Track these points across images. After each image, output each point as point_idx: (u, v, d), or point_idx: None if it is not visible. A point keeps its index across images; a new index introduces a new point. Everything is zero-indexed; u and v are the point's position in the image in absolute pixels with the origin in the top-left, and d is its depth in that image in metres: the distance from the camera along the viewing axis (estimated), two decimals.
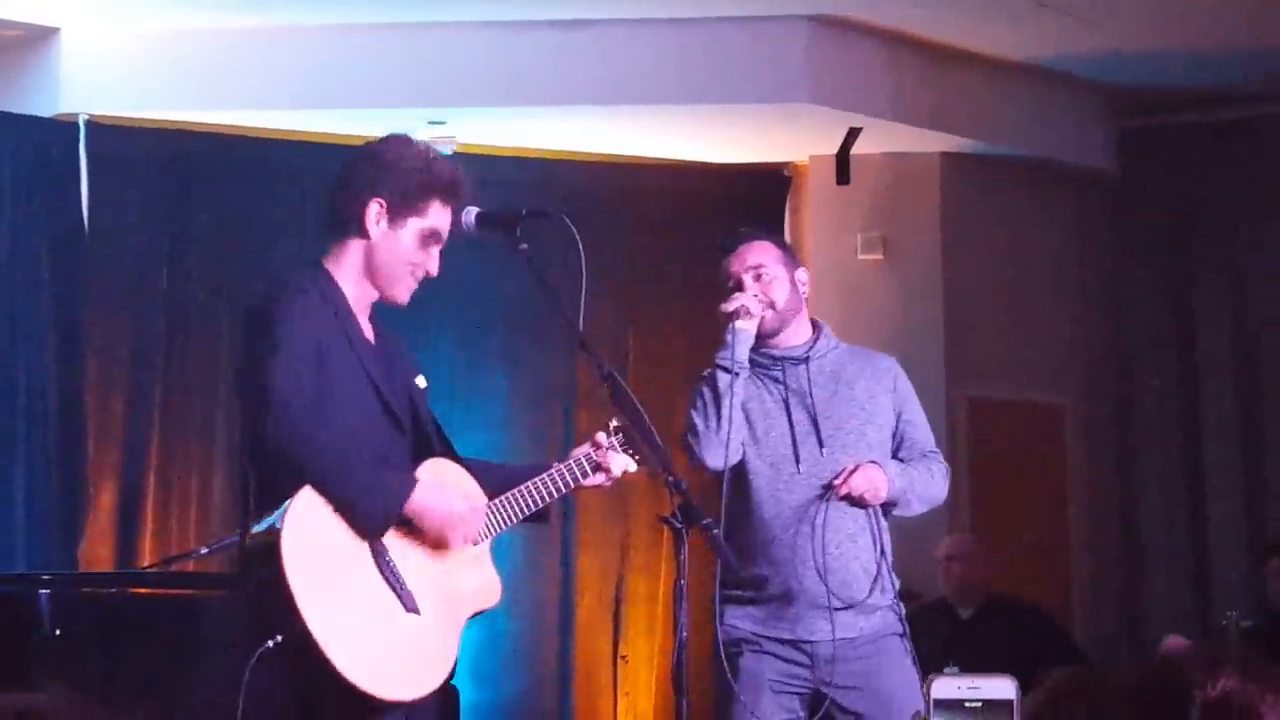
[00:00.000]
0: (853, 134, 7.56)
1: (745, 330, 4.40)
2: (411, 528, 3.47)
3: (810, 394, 4.43)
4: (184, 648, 4.75)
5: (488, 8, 6.97)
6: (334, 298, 3.55)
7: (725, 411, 4.31)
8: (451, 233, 3.64)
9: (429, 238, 3.60)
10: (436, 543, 3.50)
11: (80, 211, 6.92)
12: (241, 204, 7.19)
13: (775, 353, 4.47)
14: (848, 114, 7.40)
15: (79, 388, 6.86)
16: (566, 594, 7.52)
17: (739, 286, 4.45)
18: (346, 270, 3.58)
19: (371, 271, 3.59)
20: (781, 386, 4.44)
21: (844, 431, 4.42)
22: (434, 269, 3.62)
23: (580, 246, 3.59)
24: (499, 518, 3.66)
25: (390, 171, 3.57)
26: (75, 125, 6.95)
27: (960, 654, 4.88)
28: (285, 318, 3.43)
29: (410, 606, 3.43)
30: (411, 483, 3.45)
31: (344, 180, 3.60)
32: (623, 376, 3.63)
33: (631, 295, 7.66)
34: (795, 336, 4.50)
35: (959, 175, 7.97)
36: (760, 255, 4.48)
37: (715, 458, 4.35)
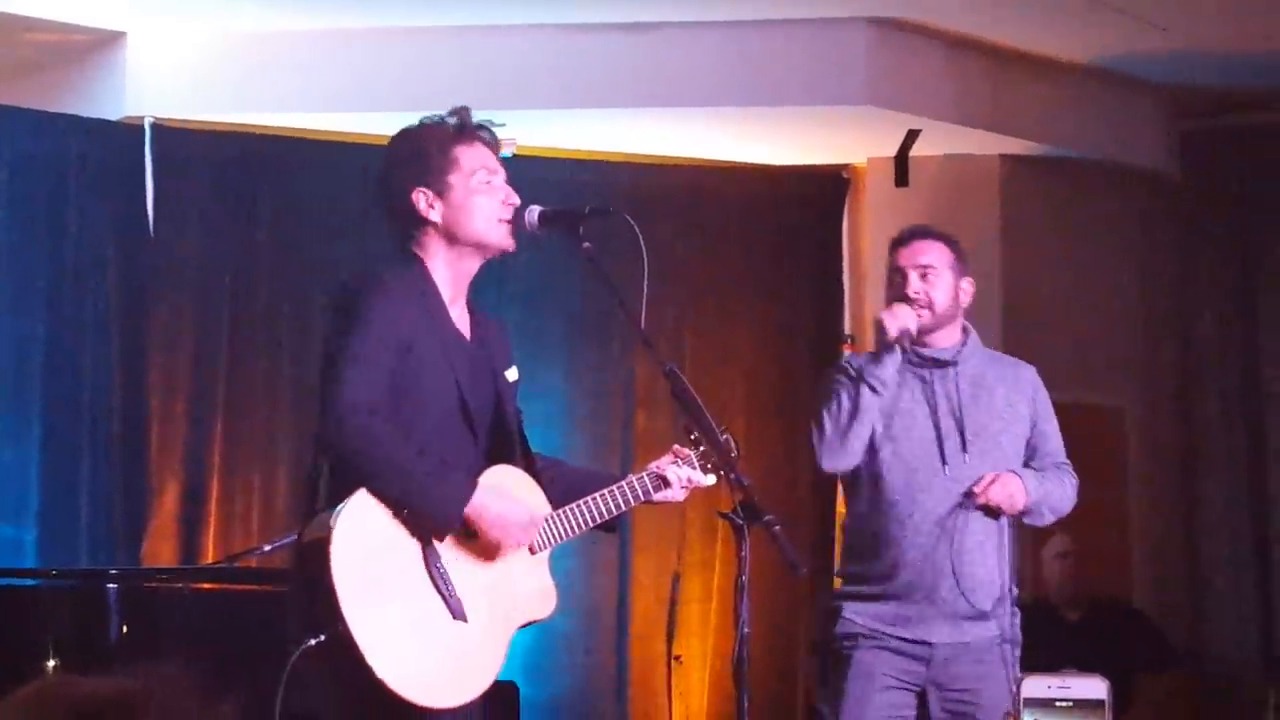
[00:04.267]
0: (911, 136, 7.54)
1: (897, 356, 4.47)
2: (468, 532, 3.46)
3: (957, 398, 4.47)
4: (248, 642, 4.79)
5: (548, 11, 6.99)
6: (425, 289, 3.57)
7: (858, 429, 4.43)
8: (515, 229, 3.66)
9: (482, 180, 3.61)
10: (492, 548, 3.50)
11: (145, 213, 6.96)
12: (305, 206, 7.23)
13: (925, 353, 4.53)
14: (907, 116, 7.38)
15: (142, 388, 6.89)
16: (623, 594, 7.52)
17: (904, 280, 4.50)
18: (435, 256, 3.61)
19: (461, 242, 3.60)
20: (927, 387, 4.51)
21: (982, 437, 4.48)
22: (513, 199, 3.63)
23: (642, 244, 3.59)
24: (563, 527, 3.63)
25: (411, 160, 3.61)
26: (141, 128, 7.00)
27: (1066, 659, 4.85)
28: (366, 314, 3.44)
29: (457, 613, 3.43)
30: (471, 487, 3.45)
31: (384, 190, 3.64)
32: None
33: (689, 296, 7.64)
34: (946, 339, 4.57)
35: (1019, 177, 7.93)
36: (931, 255, 4.54)
37: (833, 463, 4.48)
